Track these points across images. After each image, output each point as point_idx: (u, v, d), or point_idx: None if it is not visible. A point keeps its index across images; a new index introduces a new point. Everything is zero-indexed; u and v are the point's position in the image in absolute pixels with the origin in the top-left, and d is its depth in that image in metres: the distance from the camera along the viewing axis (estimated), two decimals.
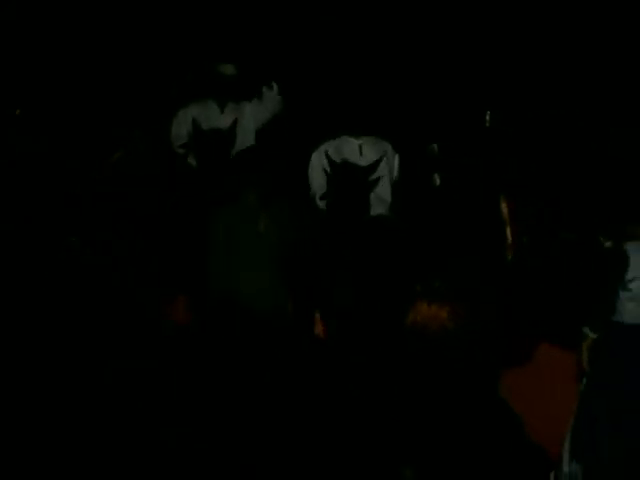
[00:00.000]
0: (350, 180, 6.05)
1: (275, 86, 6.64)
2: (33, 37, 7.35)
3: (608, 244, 5.01)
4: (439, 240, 5.92)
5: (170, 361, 5.32)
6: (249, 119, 6.81)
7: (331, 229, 6.00)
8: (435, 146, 6.38)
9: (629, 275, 4.79)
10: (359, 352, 5.34)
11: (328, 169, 6.21)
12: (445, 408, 4.97)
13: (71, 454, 4.77)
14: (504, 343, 5.10)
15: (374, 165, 6.06)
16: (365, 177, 6.06)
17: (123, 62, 7.40)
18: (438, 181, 6.32)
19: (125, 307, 5.53)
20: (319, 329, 5.54)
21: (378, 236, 5.87)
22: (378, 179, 6.10)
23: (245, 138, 6.71)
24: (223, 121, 6.74)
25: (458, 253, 5.78)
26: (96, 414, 4.99)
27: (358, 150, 6.30)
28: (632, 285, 4.82)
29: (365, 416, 5.05)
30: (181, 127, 6.68)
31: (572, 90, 6.74)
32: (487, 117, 6.44)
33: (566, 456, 4.94)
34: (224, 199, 6.01)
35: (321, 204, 6.30)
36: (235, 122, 6.69)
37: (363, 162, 6.29)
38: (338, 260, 5.77)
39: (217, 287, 5.77)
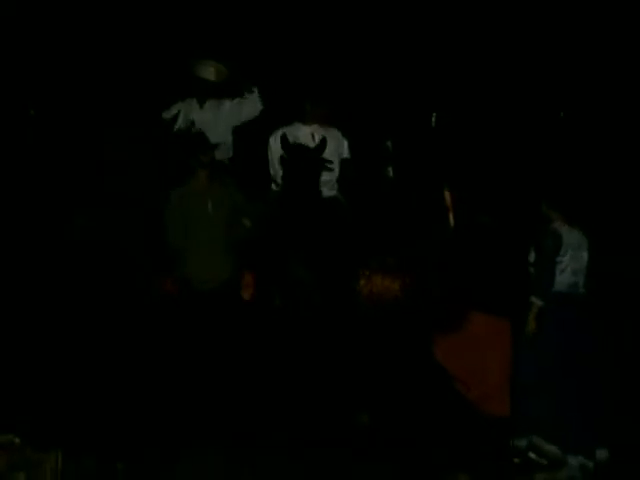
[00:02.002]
0: (303, 161, 6.24)
1: (256, 90, 6.82)
2: (31, 39, 7.33)
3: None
4: (392, 223, 6.33)
5: (158, 322, 5.79)
6: (228, 116, 6.93)
7: (287, 207, 6.22)
8: (389, 143, 6.77)
9: (562, 251, 5.52)
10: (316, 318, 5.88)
11: (282, 152, 6.34)
12: (394, 366, 5.72)
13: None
14: (446, 312, 5.81)
15: (322, 144, 6.28)
16: (315, 156, 6.26)
17: (111, 64, 7.40)
18: (391, 173, 6.70)
19: (123, 281, 5.94)
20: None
21: (333, 216, 6.21)
22: (327, 160, 6.33)
23: (222, 131, 6.84)
24: (202, 116, 6.87)
25: (408, 234, 6.26)
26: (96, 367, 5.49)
27: (310, 136, 6.54)
28: (564, 259, 5.56)
29: (326, 371, 5.75)
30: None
31: (499, 99, 7.21)
32: (433, 119, 6.89)
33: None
34: (177, 182, 6.19)
35: (280, 181, 6.46)
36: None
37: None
38: (294, 237, 6.09)
39: (176, 265, 6.00)
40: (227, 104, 6.98)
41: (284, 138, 6.37)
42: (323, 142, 6.32)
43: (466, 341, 5.72)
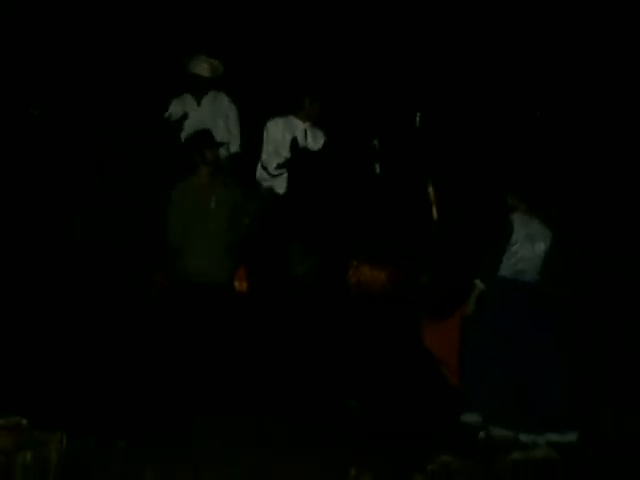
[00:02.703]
0: (310, 165, 6.44)
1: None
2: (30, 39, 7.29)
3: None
4: (379, 217, 6.53)
5: (159, 311, 6.02)
6: (225, 113, 7.02)
7: (290, 208, 6.44)
8: (376, 142, 6.97)
9: (513, 238, 5.76)
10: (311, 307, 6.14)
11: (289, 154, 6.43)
12: (382, 352, 5.98)
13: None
14: (430, 301, 6.07)
15: (326, 149, 6.49)
16: (322, 161, 6.45)
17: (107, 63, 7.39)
18: (378, 169, 6.93)
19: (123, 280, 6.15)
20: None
21: (331, 211, 6.44)
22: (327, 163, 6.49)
23: (220, 129, 6.91)
24: (200, 114, 6.92)
25: (394, 228, 6.48)
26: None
27: (304, 132, 6.73)
28: (514, 247, 5.79)
29: (317, 357, 5.98)
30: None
31: (478, 100, 7.43)
32: (417, 119, 7.11)
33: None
34: (178, 177, 6.30)
35: (274, 172, 6.59)
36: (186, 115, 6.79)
37: (308, 144, 6.69)
38: (294, 233, 6.33)
39: (175, 259, 6.10)
40: (225, 101, 7.04)
41: (294, 142, 6.45)
42: (326, 147, 6.51)
43: (452, 327, 5.97)
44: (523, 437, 5.55)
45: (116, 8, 7.64)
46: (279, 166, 6.60)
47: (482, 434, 5.61)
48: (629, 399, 5.97)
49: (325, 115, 6.82)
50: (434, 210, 6.59)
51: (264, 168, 6.75)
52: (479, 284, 5.77)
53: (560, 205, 6.67)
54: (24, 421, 4.42)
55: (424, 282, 6.24)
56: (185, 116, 6.80)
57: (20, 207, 6.40)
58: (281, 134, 6.69)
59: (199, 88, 6.96)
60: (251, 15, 7.80)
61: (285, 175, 6.62)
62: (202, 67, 6.91)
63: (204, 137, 6.39)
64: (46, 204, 6.44)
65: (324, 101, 6.82)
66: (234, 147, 7.09)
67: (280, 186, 6.71)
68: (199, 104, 7.00)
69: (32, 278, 6.15)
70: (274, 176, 6.71)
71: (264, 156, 6.75)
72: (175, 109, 6.93)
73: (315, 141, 6.79)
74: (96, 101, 6.96)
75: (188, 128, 6.79)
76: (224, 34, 7.53)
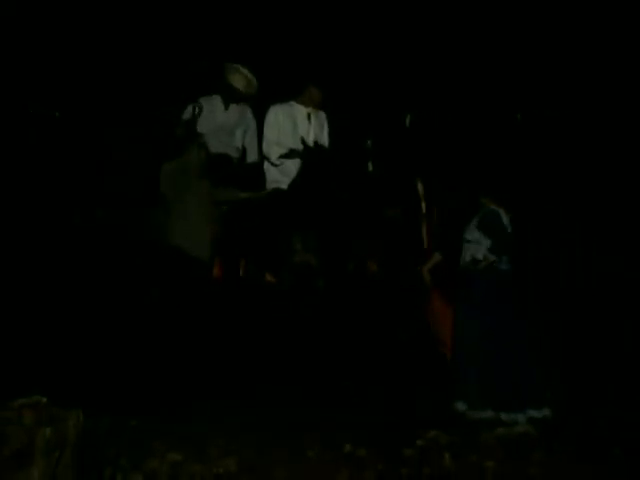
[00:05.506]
0: (321, 164, 6.49)
1: None
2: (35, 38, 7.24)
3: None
4: (371, 212, 6.76)
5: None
6: (247, 123, 7.05)
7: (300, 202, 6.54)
8: (369, 142, 7.20)
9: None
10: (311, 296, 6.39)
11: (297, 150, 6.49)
12: (376, 337, 6.23)
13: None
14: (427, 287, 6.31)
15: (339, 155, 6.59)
16: (333, 160, 6.54)
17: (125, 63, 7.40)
18: (371, 167, 7.15)
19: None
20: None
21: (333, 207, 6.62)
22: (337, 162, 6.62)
23: (239, 135, 6.99)
24: (227, 117, 6.97)
25: (385, 222, 6.75)
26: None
27: (307, 117, 6.80)
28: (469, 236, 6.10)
29: (316, 344, 6.21)
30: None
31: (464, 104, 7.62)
32: (407, 121, 7.32)
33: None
34: (169, 156, 6.35)
35: (276, 161, 6.61)
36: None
37: (311, 129, 6.74)
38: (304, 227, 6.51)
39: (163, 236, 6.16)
40: (249, 113, 7.05)
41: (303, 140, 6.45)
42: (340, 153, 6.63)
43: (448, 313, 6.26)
44: (504, 416, 5.80)
45: (117, 8, 7.66)
46: (282, 156, 6.68)
47: (468, 415, 5.86)
48: (629, 398, 6.07)
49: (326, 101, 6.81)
50: (423, 205, 6.83)
51: (265, 158, 6.80)
52: (437, 255, 6.07)
53: (560, 205, 6.90)
54: (44, 399, 4.52)
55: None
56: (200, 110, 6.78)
57: (20, 207, 6.53)
58: (282, 123, 6.70)
59: (228, 97, 6.95)
60: (250, 13, 7.84)
61: (289, 167, 6.71)
62: (238, 79, 6.86)
63: (188, 129, 6.50)
64: (46, 204, 6.58)
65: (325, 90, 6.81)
66: (252, 157, 7.17)
67: (285, 182, 6.80)
68: (226, 108, 7.01)
69: (37, 270, 6.33)
70: (276, 165, 6.76)
71: (264, 146, 6.79)
72: (200, 106, 6.92)
73: (319, 125, 6.87)
74: (97, 101, 7.03)
75: (208, 126, 6.80)
76: (225, 33, 7.56)
